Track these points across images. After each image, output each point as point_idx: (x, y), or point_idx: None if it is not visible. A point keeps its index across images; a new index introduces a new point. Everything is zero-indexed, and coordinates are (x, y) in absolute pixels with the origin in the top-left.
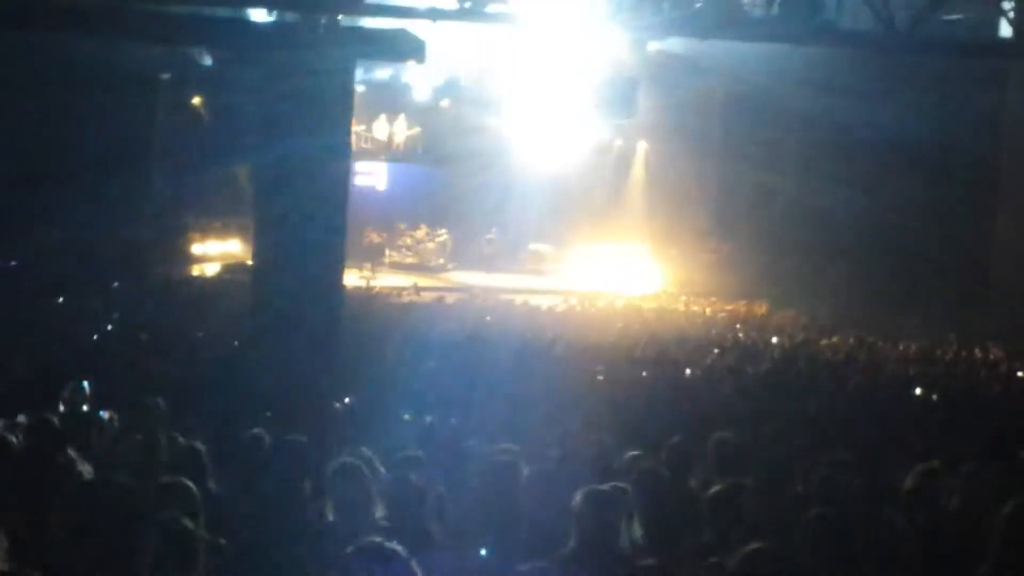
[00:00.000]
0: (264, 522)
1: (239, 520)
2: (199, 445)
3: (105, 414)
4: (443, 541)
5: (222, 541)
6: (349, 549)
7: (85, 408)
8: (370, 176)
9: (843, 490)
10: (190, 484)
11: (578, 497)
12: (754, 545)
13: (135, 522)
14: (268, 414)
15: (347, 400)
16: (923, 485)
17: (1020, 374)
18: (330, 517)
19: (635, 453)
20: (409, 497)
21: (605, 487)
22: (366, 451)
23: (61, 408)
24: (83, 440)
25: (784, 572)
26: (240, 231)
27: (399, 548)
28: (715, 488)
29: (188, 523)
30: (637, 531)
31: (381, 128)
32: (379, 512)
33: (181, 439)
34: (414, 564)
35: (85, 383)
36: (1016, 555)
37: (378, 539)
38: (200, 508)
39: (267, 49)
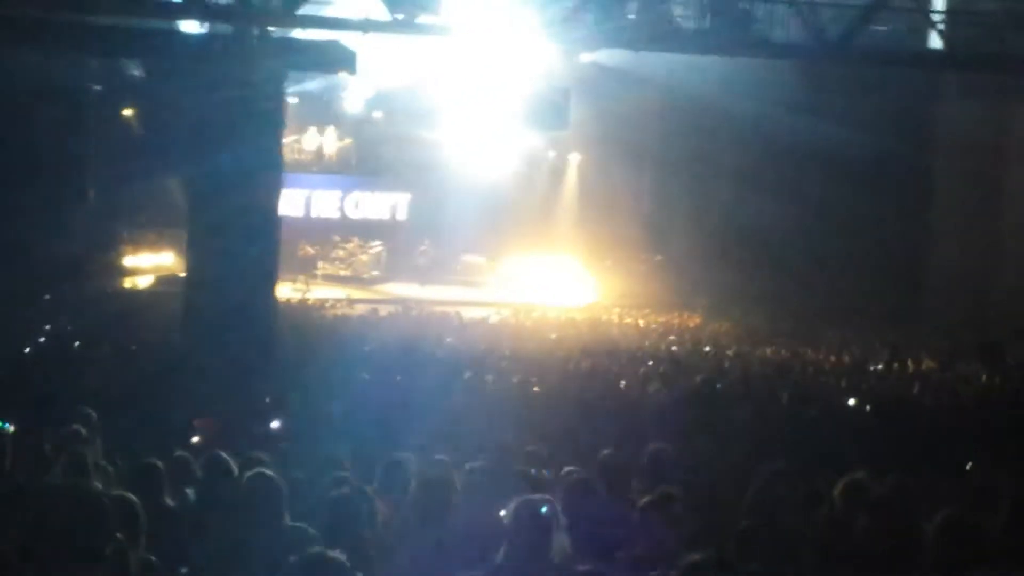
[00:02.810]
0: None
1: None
2: (157, 461)
3: (9, 426)
4: (378, 551)
5: (152, 559)
6: (293, 559)
7: None
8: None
9: (778, 500)
10: (133, 499)
11: (509, 508)
12: (694, 556)
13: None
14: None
15: (280, 412)
16: (849, 494)
17: (950, 384)
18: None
19: (569, 467)
20: (344, 508)
21: (535, 498)
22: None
23: None
24: None
25: None
26: (173, 243)
27: (342, 558)
28: (646, 498)
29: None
30: (565, 541)
31: (311, 140)
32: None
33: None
34: (358, 574)
35: None
36: (948, 563)
37: (320, 549)
38: (142, 525)
39: (199, 61)
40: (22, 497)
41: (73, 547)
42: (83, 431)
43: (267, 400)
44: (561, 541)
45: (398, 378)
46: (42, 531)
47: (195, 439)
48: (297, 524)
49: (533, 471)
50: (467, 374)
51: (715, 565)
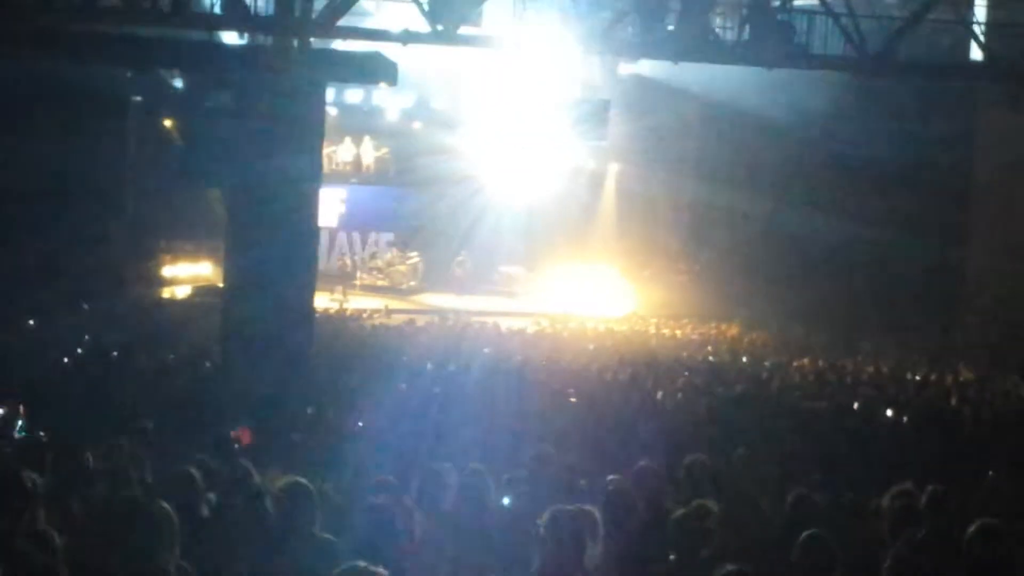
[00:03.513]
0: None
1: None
2: (194, 471)
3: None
4: (414, 562)
5: (186, 565)
6: (336, 571)
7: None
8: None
9: (817, 511)
10: (167, 508)
11: (544, 518)
12: (727, 568)
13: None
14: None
15: (318, 423)
16: (898, 506)
17: (989, 396)
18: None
19: (607, 478)
20: (381, 519)
21: (571, 508)
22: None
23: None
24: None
25: None
26: (211, 253)
27: (383, 572)
28: (680, 511)
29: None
30: (606, 548)
31: (347, 150)
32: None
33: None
34: None
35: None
36: (981, 572)
37: (362, 563)
38: (175, 534)
39: (239, 72)
40: (75, 510)
41: (133, 561)
42: (126, 444)
43: (308, 411)
44: (598, 551)
45: (436, 390)
46: (104, 545)
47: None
48: (326, 536)
49: (571, 482)
50: (505, 384)
51: None
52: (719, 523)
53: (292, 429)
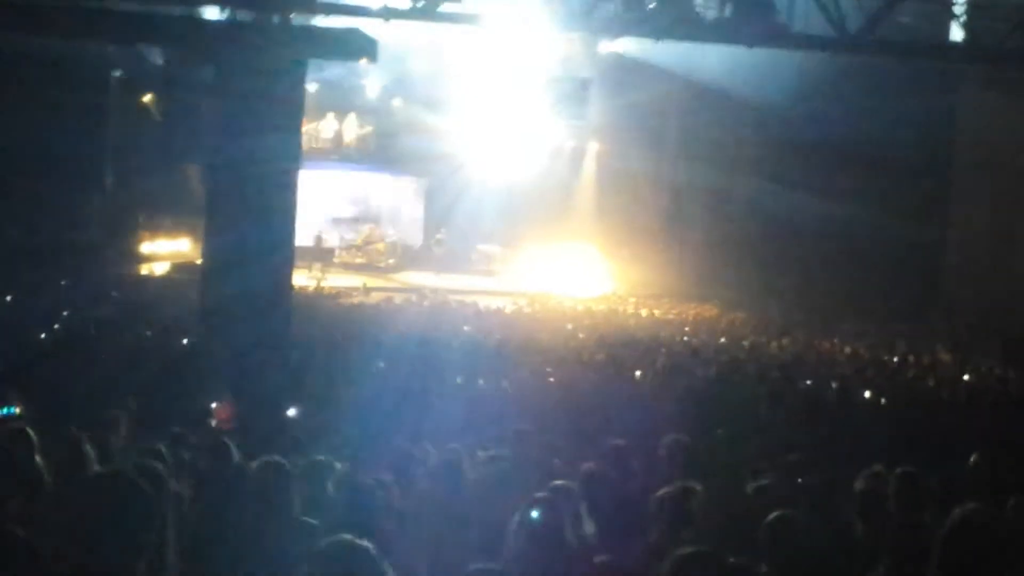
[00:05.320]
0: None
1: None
2: (161, 445)
3: (16, 409)
4: (394, 540)
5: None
6: (320, 546)
7: None
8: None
9: (794, 492)
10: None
11: (532, 500)
12: (688, 549)
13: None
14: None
15: (297, 400)
16: (871, 488)
17: (966, 377)
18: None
19: (585, 458)
20: (361, 496)
21: (559, 490)
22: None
23: None
24: None
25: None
26: (190, 230)
27: (369, 545)
28: (664, 490)
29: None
30: (589, 528)
31: (329, 126)
32: (296, 509)
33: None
34: (384, 562)
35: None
36: (958, 564)
37: (348, 536)
38: (154, 512)
39: (219, 48)
40: (64, 488)
41: (119, 539)
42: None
43: (283, 385)
44: (580, 529)
45: (414, 367)
46: (90, 523)
47: (212, 423)
48: (305, 519)
49: (550, 461)
50: (483, 363)
51: (709, 557)
52: (702, 504)
53: (269, 405)
